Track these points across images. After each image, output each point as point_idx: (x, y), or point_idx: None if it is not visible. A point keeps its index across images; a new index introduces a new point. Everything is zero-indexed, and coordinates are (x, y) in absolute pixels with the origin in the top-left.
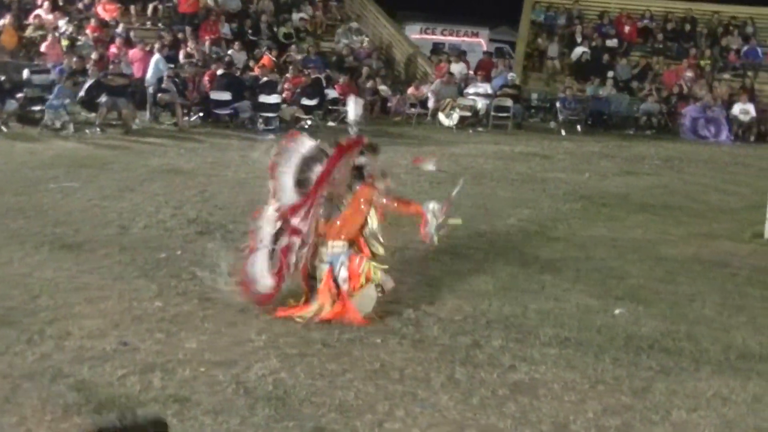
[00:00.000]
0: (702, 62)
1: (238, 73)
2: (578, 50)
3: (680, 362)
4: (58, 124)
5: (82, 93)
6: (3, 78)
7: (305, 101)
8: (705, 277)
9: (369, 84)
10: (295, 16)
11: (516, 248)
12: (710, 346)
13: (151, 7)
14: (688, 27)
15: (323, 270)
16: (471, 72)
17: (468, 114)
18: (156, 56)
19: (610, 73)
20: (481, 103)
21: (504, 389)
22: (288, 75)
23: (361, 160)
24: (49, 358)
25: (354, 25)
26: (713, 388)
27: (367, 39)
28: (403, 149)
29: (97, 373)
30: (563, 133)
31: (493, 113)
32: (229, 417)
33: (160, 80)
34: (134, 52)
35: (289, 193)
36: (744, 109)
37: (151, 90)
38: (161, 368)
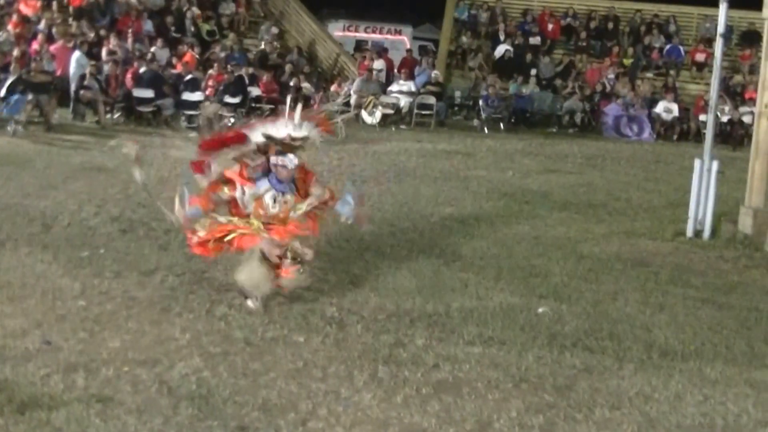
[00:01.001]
0: (625, 60)
1: (160, 70)
2: (501, 48)
3: (603, 360)
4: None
5: (3, 90)
6: None
7: (228, 99)
8: (627, 275)
9: (292, 82)
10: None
11: (439, 246)
12: (632, 344)
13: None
14: (611, 25)
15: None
16: (395, 70)
17: (391, 111)
18: (76, 53)
19: (533, 71)
20: (404, 101)
21: (427, 388)
22: (212, 72)
23: None
24: None
25: (274, 30)
26: (636, 386)
27: (278, 46)
28: (324, 146)
29: (19, 372)
30: (486, 131)
31: (416, 111)
32: (153, 416)
33: (82, 77)
34: (55, 48)
35: None
36: (668, 108)
37: (73, 86)
38: (84, 367)
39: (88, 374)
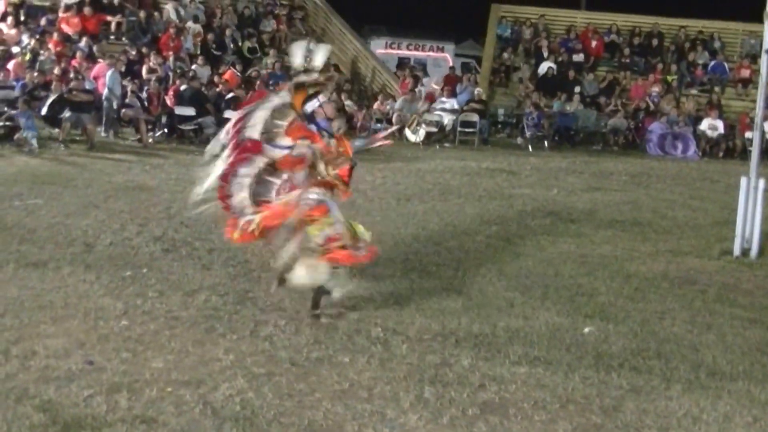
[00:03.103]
0: (669, 77)
1: (202, 88)
2: (544, 65)
3: (650, 381)
4: (35, 143)
5: (45, 109)
6: None
7: None
8: (674, 294)
9: (334, 99)
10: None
11: (484, 265)
12: (680, 364)
13: (114, 22)
14: (655, 42)
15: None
16: (435, 86)
17: (434, 129)
18: (110, 71)
19: (577, 89)
20: (447, 119)
21: (474, 409)
22: (255, 90)
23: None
24: (14, 378)
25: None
26: (684, 407)
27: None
28: (369, 164)
29: (63, 393)
30: (530, 148)
31: (459, 129)
32: None
33: (123, 95)
34: (100, 68)
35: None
36: (712, 125)
37: (106, 104)
38: (128, 388)
39: (131, 395)
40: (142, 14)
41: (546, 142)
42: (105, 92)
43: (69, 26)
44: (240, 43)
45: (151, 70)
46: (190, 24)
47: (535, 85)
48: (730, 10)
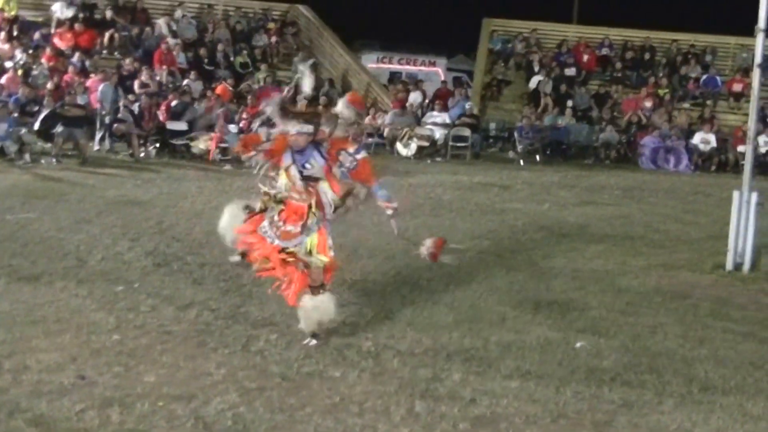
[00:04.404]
0: (661, 91)
1: (194, 103)
2: (536, 79)
3: (643, 395)
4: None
5: (37, 123)
6: None
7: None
8: (666, 308)
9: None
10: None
11: (475, 280)
12: (672, 378)
13: (107, 36)
14: (647, 56)
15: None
16: (427, 101)
17: (426, 144)
18: (102, 85)
19: (569, 103)
20: (439, 133)
21: (465, 423)
22: (247, 105)
23: None
24: (6, 393)
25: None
26: (676, 421)
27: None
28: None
29: (55, 407)
30: (522, 163)
31: (451, 143)
32: None
33: (116, 110)
34: (93, 82)
35: None
36: (705, 139)
37: (98, 119)
38: (120, 402)
39: (123, 409)
40: (135, 30)
41: (538, 156)
42: (98, 106)
43: (62, 41)
44: (232, 58)
45: (143, 85)
46: (169, 40)
47: (528, 98)
48: (722, 23)
